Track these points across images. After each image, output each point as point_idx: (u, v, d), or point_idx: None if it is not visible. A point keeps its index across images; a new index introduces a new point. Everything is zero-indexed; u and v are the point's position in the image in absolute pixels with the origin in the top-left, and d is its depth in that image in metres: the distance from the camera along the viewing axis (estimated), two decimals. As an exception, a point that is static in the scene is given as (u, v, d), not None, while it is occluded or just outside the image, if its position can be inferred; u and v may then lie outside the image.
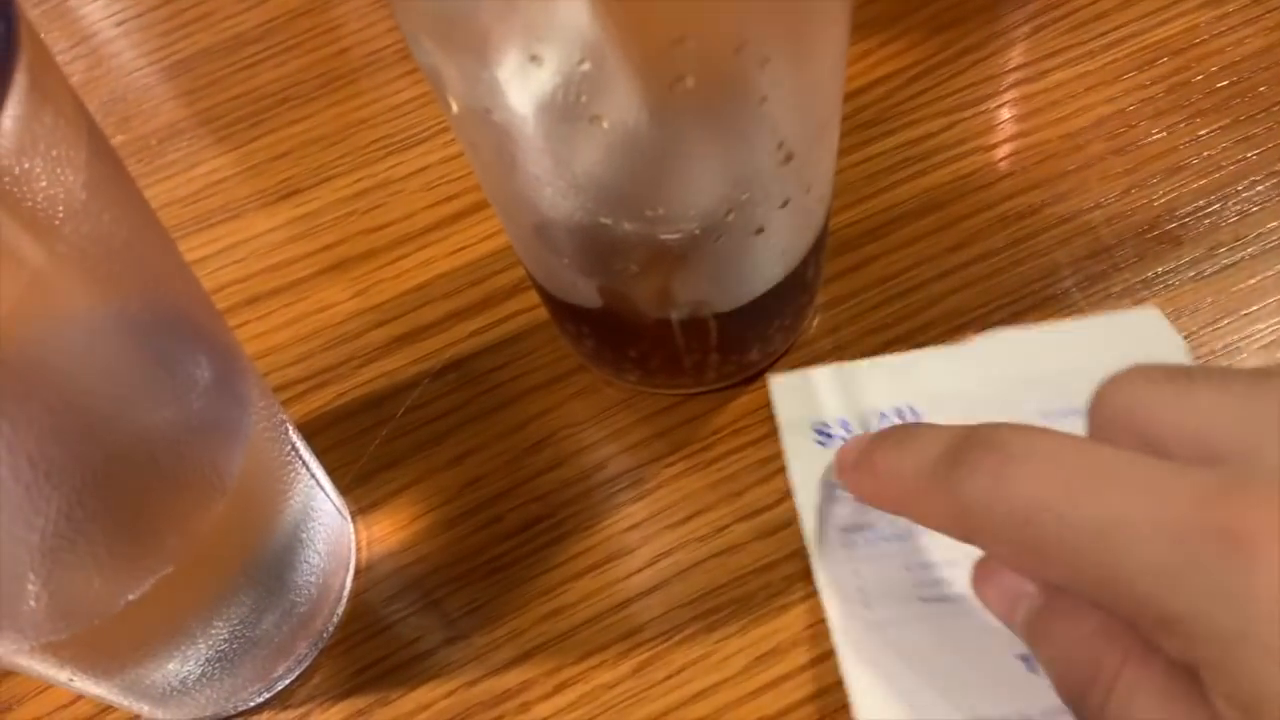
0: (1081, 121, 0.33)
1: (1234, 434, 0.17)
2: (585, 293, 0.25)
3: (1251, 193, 0.31)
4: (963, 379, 0.28)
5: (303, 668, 0.27)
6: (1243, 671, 0.15)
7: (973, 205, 0.32)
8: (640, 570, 0.27)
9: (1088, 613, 0.18)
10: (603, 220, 0.22)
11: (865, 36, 0.36)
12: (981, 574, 0.20)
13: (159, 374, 0.19)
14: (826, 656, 0.25)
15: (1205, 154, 0.32)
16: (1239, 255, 0.30)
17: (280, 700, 0.27)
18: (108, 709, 0.27)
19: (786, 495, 0.27)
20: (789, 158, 0.22)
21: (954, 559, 0.25)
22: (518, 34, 0.18)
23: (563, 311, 0.28)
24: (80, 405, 0.17)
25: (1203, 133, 0.33)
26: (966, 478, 0.19)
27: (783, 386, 0.29)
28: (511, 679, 0.26)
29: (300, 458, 0.26)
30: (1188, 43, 0.34)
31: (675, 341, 0.27)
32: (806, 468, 0.27)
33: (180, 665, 0.23)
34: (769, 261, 0.25)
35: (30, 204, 0.15)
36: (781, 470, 0.28)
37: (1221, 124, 0.33)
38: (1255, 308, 0.29)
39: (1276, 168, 0.32)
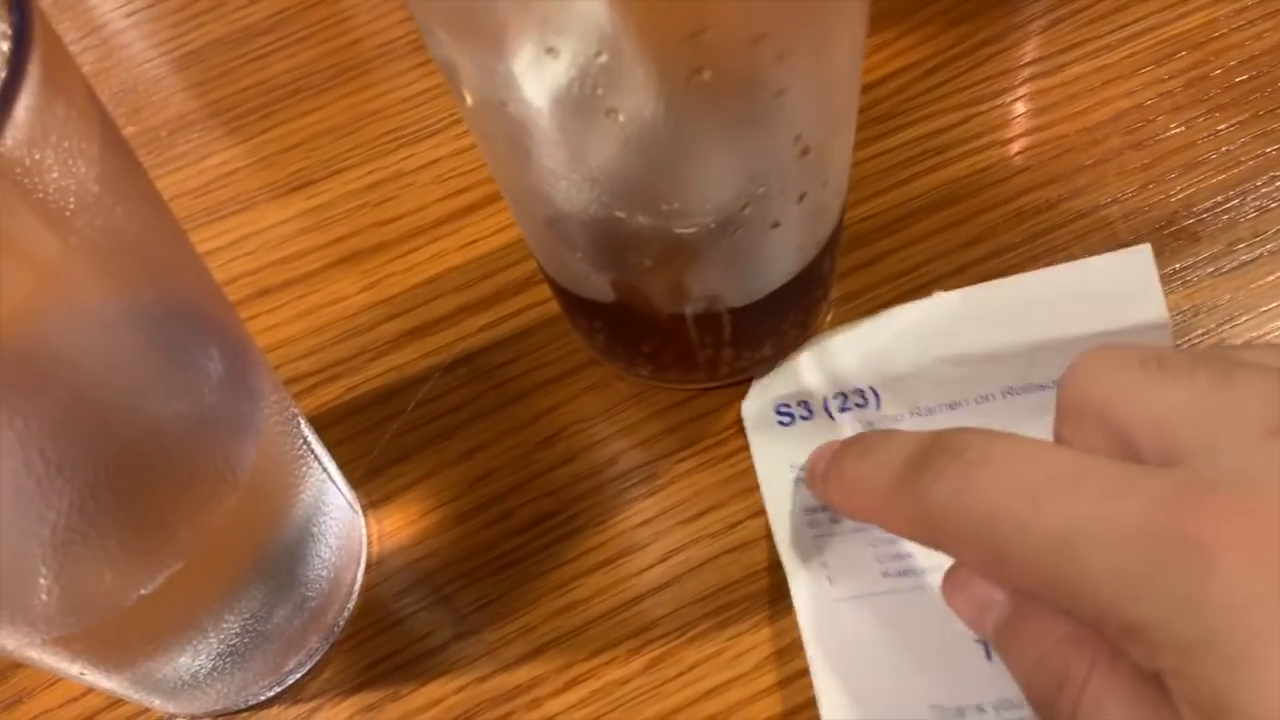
0: (1099, 116, 0.33)
1: (1197, 429, 0.17)
2: (598, 287, 0.25)
3: (1271, 188, 0.31)
4: (927, 354, 0.28)
5: (313, 662, 0.27)
6: (1204, 680, 0.15)
7: (989, 200, 0.32)
8: (652, 566, 0.27)
9: (1055, 620, 0.18)
10: (617, 214, 0.22)
11: (882, 29, 0.36)
12: (952, 583, 0.20)
13: (171, 367, 0.19)
14: (840, 654, 0.25)
15: (1224, 149, 0.32)
16: (1258, 251, 0.30)
17: (291, 694, 0.27)
18: (118, 702, 0.27)
19: (799, 491, 0.27)
20: (806, 151, 0.21)
21: None
22: (534, 26, 0.17)
23: (575, 305, 0.28)
24: (92, 398, 0.17)
25: (1221, 128, 0.32)
26: (931, 485, 0.19)
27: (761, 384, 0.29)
28: (522, 675, 0.26)
29: (312, 451, 0.25)
30: (1206, 36, 0.34)
31: (689, 336, 0.26)
32: (770, 448, 0.28)
33: (191, 659, 0.23)
34: (784, 256, 0.25)
35: (42, 196, 0.15)
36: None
37: (1240, 119, 0.32)
38: (1274, 304, 0.29)
39: (1296, 163, 0.31)
